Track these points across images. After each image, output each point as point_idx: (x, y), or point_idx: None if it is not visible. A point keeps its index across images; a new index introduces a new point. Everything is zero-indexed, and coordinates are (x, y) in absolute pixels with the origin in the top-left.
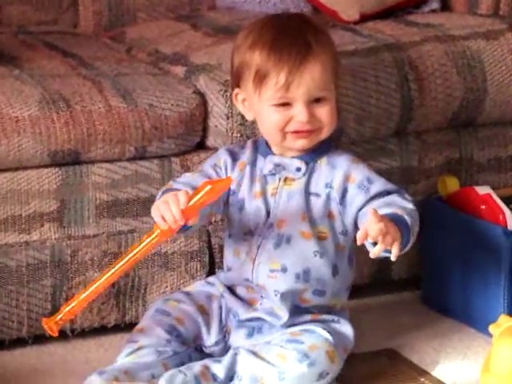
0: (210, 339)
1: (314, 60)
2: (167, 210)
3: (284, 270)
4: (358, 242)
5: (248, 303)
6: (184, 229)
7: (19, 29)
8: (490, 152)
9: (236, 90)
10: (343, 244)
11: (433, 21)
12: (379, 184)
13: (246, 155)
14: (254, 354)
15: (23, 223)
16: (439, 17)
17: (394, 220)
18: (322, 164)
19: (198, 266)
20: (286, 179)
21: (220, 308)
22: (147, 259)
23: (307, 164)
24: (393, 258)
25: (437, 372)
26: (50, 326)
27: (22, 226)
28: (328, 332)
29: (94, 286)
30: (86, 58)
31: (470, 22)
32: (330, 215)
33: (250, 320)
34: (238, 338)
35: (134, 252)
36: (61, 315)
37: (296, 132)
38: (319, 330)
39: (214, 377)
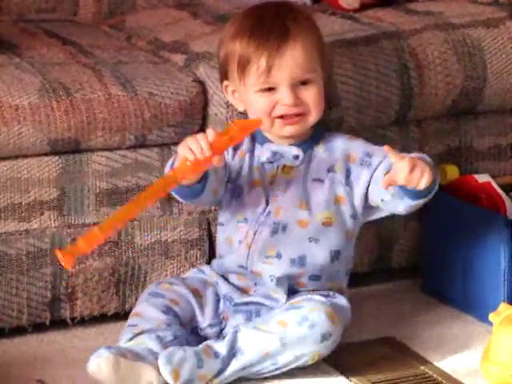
0: (204, 321)
1: (294, 42)
2: (195, 142)
3: (279, 256)
4: (384, 186)
5: (242, 290)
6: (205, 179)
7: (19, 17)
8: (490, 140)
9: (225, 83)
10: (351, 229)
11: (433, 9)
12: (378, 154)
13: (244, 144)
14: (255, 328)
15: (23, 211)
16: (439, 5)
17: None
18: (320, 150)
19: (198, 255)
20: (284, 167)
21: (216, 295)
22: (147, 247)
23: (304, 151)
24: (423, 185)
25: (437, 360)
26: (67, 257)
27: (21, 214)
28: (325, 299)
29: (113, 216)
30: (85, 46)
31: (470, 9)
32: (336, 200)
33: (247, 304)
34: (235, 323)
35: (157, 184)
36: (78, 245)
37: (283, 117)
38: (317, 297)
39: (216, 354)
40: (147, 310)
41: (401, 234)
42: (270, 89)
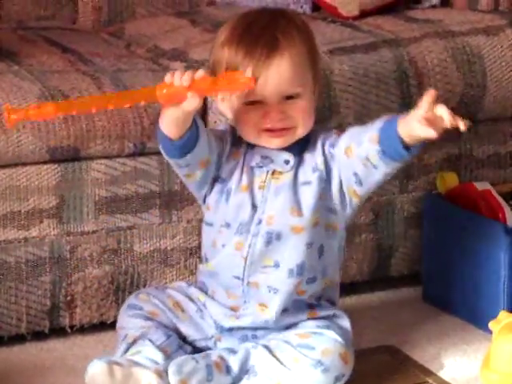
0: (189, 335)
1: (281, 55)
2: (181, 72)
3: (276, 265)
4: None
5: (230, 309)
6: (195, 130)
7: (18, 24)
8: (490, 148)
9: None
10: (334, 222)
11: (432, 16)
12: (337, 140)
13: (243, 146)
14: (269, 351)
15: (22, 219)
16: (439, 12)
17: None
18: (307, 153)
19: (197, 262)
20: (273, 172)
21: (198, 311)
22: (146, 255)
23: (295, 156)
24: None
25: (437, 368)
26: (12, 115)
27: (21, 222)
28: (336, 333)
29: (74, 101)
30: (85, 54)
31: (470, 17)
32: (320, 197)
33: (241, 329)
34: (230, 345)
35: (133, 91)
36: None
37: (269, 130)
38: (327, 332)
39: (228, 369)
40: (130, 321)
41: (401, 242)
42: (256, 102)
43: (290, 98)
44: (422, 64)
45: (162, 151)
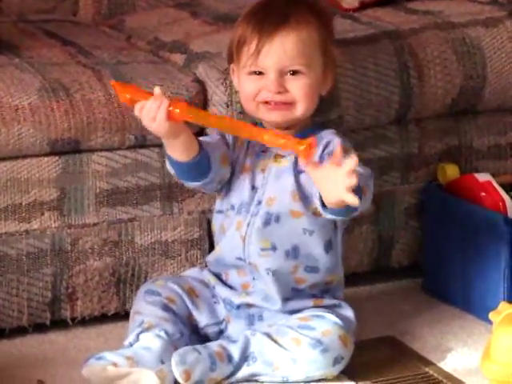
0: (202, 320)
1: (288, 31)
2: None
3: (274, 248)
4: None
5: (240, 288)
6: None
7: (19, 17)
8: (490, 139)
9: (231, 66)
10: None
11: (432, 8)
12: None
13: None
14: (269, 336)
15: (23, 212)
16: (439, 4)
17: None
18: None
19: (199, 254)
20: (275, 156)
21: (213, 297)
22: (147, 247)
23: None
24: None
25: (437, 359)
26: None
27: (22, 214)
28: (337, 317)
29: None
30: (85, 47)
31: (470, 9)
32: None
33: (248, 306)
34: (238, 327)
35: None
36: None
37: (266, 102)
38: (328, 315)
39: (230, 357)
40: (147, 308)
41: (401, 234)
42: (260, 73)
43: (293, 74)
44: (422, 55)
45: (191, 183)
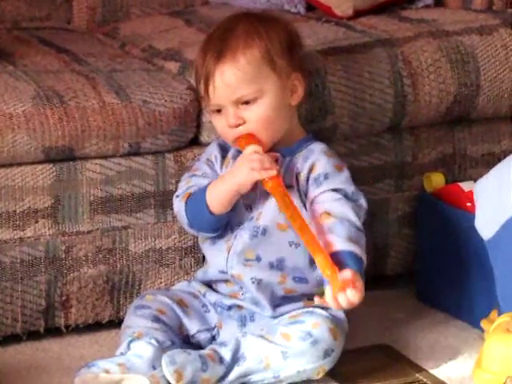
0: (193, 328)
1: (223, 65)
2: (260, 160)
3: (258, 259)
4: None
5: (230, 296)
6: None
7: (13, 25)
8: (484, 147)
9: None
10: None
11: (426, 16)
12: (332, 182)
13: (231, 150)
14: (260, 336)
15: (17, 219)
16: (433, 12)
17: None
18: (299, 157)
19: (192, 262)
20: None
21: (203, 306)
22: (141, 255)
23: (284, 157)
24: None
25: (431, 367)
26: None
27: (16, 222)
28: (326, 312)
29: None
30: (79, 54)
31: (464, 17)
32: (303, 204)
33: (238, 308)
34: (230, 330)
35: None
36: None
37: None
38: (318, 310)
39: (221, 359)
40: (137, 321)
41: (395, 242)
42: (219, 110)
43: (247, 103)
44: (416, 64)
45: (207, 234)
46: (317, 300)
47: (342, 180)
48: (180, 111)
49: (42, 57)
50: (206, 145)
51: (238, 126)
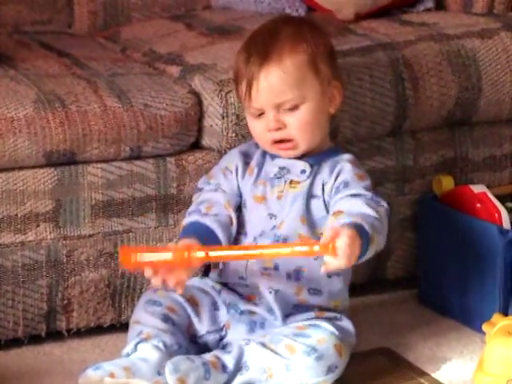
0: (202, 328)
1: (270, 67)
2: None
3: (276, 268)
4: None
5: (246, 298)
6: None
7: (14, 29)
8: (485, 151)
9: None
10: None
11: (427, 20)
12: (351, 189)
13: (256, 157)
14: (263, 345)
15: (19, 223)
16: (434, 16)
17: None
18: (326, 167)
19: None
20: (291, 182)
21: (213, 304)
22: None
23: (312, 166)
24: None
25: (433, 371)
26: (126, 257)
27: (17, 226)
28: (333, 327)
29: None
30: (80, 58)
31: (465, 20)
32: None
33: (251, 313)
34: (237, 333)
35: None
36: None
37: (274, 142)
38: (325, 324)
39: (224, 367)
40: (147, 318)
41: (397, 245)
42: (261, 114)
43: (289, 109)
44: (418, 67)
45: None
46: (323, 268)
47: (362, 187)
48: (181, 115)
49: (44, 61)
50: (207, 149)
51: (278, 129)
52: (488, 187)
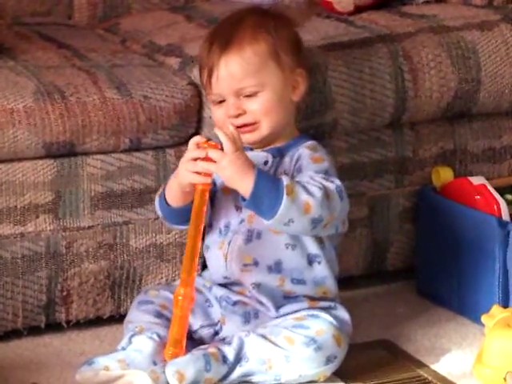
0: (195, 323)
1: (230, 54)
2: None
3: (256, 263)
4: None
5: (237, 292)
6: None
7: (14, 20)
8: (485, 143)
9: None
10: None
11: (427, 11)
12: (305, 174)
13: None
14: (263, 337)
15: (18, 215)
16: (433, 7)
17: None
18: (287, 158)
19: None
20: None
21: (206, 301)
22: (142, 250)
23: (274, 157)
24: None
25: (432, 362)
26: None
27: (17, 217)
28: (331, 317)
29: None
30: (80, 50)
31: (465, 12)
32: None
33: (244, 304)
34: (233, 326)
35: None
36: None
37: (236, 128)
38: (323, 315)
39: (224, 359)
40: (140, 316)
41: (395, 237)
42: (221, 101)
43: (249, 96)
44: (417, 59)
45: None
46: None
47: (316, 170)
48: (181, 106)
49: (43, 52)
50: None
51: (237, 116)
52: (487, 179)
